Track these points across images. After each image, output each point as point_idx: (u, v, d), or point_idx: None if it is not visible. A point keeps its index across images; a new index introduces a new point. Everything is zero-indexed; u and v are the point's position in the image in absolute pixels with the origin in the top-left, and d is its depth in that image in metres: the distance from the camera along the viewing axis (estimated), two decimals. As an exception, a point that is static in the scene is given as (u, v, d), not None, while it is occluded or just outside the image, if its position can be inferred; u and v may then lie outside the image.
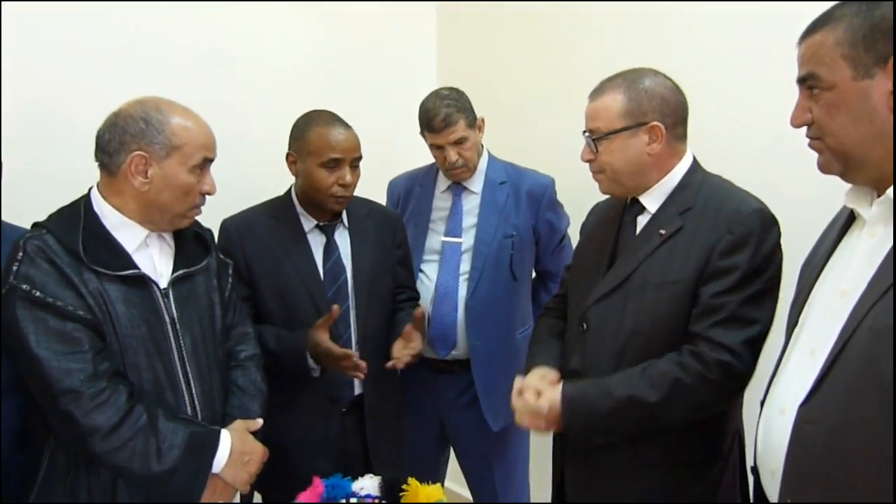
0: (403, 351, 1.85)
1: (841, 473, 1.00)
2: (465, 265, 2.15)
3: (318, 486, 1.56)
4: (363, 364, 1.77)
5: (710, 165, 1.58)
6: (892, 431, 0.94)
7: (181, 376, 1.49)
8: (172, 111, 1.45)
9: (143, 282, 1.44)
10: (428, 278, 2.18)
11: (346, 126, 1.86)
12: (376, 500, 1.56)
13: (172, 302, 1.49)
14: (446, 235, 2.17)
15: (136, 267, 1.43)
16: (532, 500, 2.33)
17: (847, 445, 0.99)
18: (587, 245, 1.71)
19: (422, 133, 2.14)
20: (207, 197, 1.55)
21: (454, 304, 2.13)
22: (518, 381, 1.55)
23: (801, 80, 1.09)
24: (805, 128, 1.12)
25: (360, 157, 1.87)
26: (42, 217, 1.43)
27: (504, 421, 2.15)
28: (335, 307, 1.74)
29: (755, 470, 1.23)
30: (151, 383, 1.44)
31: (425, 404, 2.23)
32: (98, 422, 1.33)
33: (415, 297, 2.11)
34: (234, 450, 1.48)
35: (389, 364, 1.84)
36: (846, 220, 1.16)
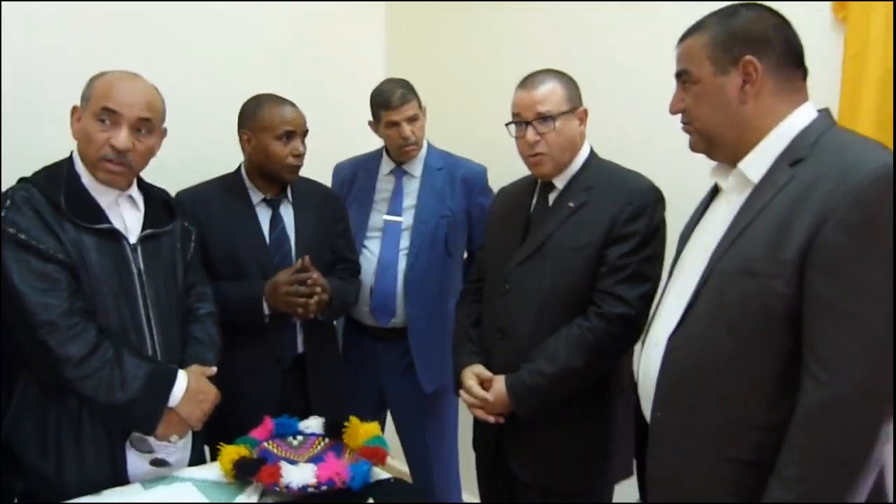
0: None
1: (700, 388, 1.24)
2: (404, 242, 2.36)
3: (268, 423, 1.76)
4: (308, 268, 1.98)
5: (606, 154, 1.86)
6: (739, 354, 1.19)
7: (145, 322, 1.66)
8: (113, 75, 1.62)
9: (115, 236, 1.61)
10: (371, 253, 2.39)
11: (293, 104, 2.07)
12: (321, 437, 1.77)
13: (140, 256, 1.66)
14: (388, 214, 2.39)
15: (109, 222, 1.60)
16: (460, 459, 2.54)
17: (705, 366, 1.24)
18: (500, 222, 1.96)
19: (375, 115, 2.34)
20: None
21: (394, 277, 2.34)
22: (465, 379, 1.82)
23: (678, 75, 1.34)
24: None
25: (307, 131, 2.08)
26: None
27: (436, 384, 2.37)
28: (306, 257, 1.97)
29: (637, 400, 1.48)
30: (118, 325, 1.61)
31: (365, 370, 2.44)
32: (70, 351, 1.50)
33: (352, 269, 2.30)
34: (190, 387, 1.65)
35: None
36: (711, 194, 1.43)
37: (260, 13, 2.75)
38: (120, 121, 1.58)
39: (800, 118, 1.25)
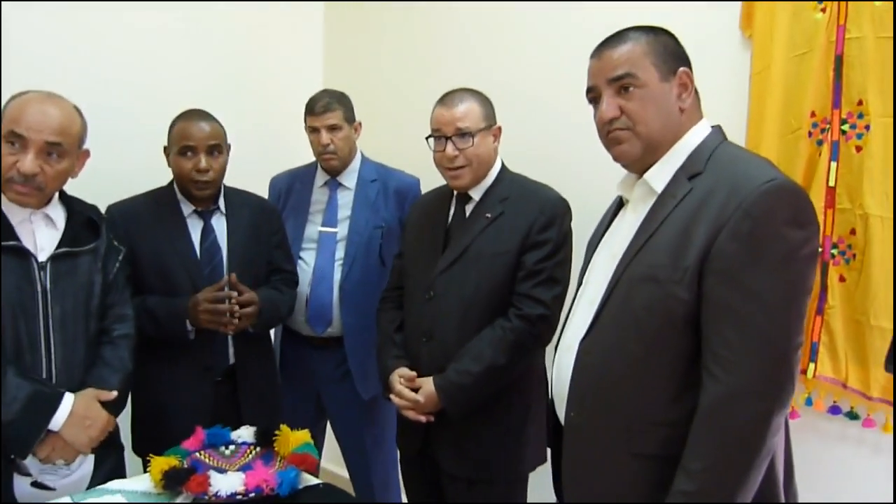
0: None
1: (609, 389, 1.31)
2: (339, 252, 2.40)
3: (200, 433, 1.77)
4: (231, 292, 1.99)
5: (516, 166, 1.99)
6: (645, 356, 1.27)
7: (43, 341, 1.64)
8: (27, 97, 1.61)
9: (22, 253, 1.61)
10: (307, 264, 2.42)
11: (206, 119, 2.07)
12: (252, 446, 1.79)
13: (48, 274, 1.64)
14: (323, 226, 2.43)
15: (17, 239, 1.60)
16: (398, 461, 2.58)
17: (612, 367, 1.31)
18: (419, 231, 2.04)
19: (305, 120, 2.40)
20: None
21: (330, 287, 2.38)
22: (394, 383, 1.90)
23: (616, 80, 1.33)
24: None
25: (215, 145, 2.06)
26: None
27: (373, 391, 2.41)
28: (233, 275, 2.00)
29: (552, 401, 1.55)
30: (12, 342, 1.59)
31: (302, 379, 2.47)
32: None
33: (289, 280, 2.33)
34: (75, 413, 1.61)
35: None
36: (617, 206, 1.50)
37: (200, 24, 2.78)
38: (27, 145, 1.57)
39: (698, 133, 1.34)
